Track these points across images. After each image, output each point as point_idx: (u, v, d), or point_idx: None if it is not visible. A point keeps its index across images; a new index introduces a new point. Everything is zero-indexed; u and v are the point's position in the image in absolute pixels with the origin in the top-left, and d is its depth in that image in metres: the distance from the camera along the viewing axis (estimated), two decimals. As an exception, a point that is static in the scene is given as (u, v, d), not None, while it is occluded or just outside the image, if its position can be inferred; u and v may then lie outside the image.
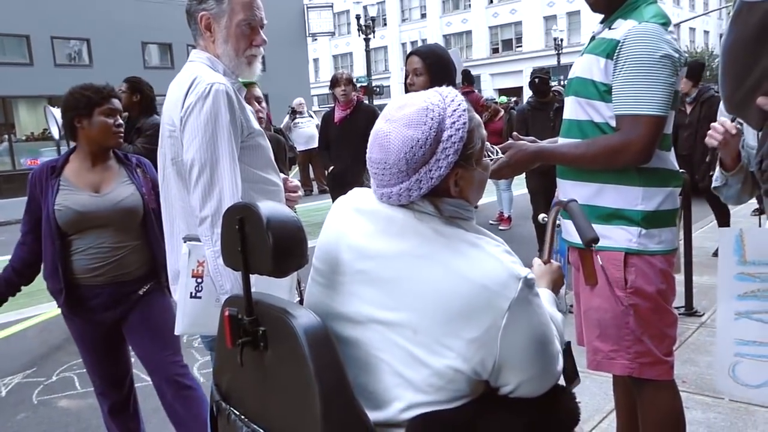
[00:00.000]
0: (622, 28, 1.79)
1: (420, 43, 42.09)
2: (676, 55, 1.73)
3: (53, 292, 2.40)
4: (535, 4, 37.47)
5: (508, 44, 39.30)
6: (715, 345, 1.76)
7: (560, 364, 1.27)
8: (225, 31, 1.80)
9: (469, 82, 7.95)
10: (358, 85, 8.75)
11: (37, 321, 5.19)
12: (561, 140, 1.97)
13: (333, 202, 5.24)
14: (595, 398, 2.94)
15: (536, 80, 5.44)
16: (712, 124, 1.85)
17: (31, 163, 17.63)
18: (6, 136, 18.50)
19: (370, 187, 1.28)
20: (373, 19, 23.08)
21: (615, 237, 1.85)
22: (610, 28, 1.84)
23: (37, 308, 5.55)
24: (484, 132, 1.25)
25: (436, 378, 1.14)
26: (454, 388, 1.15)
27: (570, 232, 1.95)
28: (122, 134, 2.43)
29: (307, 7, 26.34)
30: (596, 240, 1.53)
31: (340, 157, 5.17)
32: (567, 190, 1.95)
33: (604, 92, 1.81)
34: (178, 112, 1.71)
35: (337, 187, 5.17)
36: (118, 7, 19.80)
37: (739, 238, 1.62)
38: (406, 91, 3.13)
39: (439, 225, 1.19)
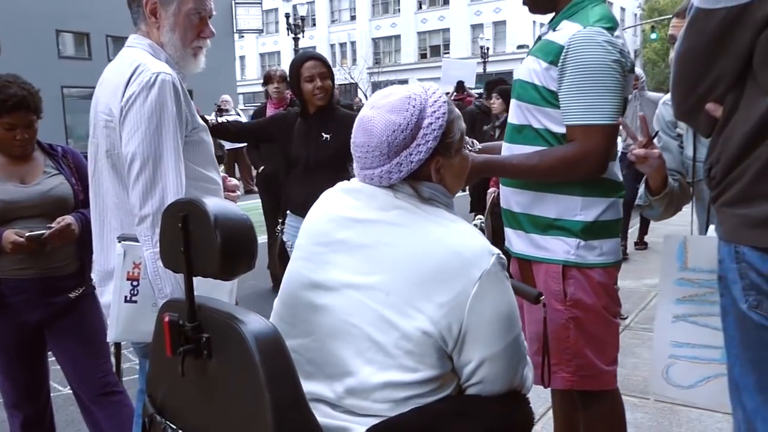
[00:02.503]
0: (565, 31, 1.73)
1: (349, 45, 42.18)
2: (624, 60, 1.70)
3: None
4: (463, 12, 38.28)
5: (436, 50, 39.89)
6: (652, 347, 1.79)
7: (526, 359, 1.28)
8: (173, 18, 1.70)
9: (462, 90, 9.77)
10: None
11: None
12: (506, 146, 1.92)
13: (262, 204, 5.09)
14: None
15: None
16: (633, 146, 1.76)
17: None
18: None
19: (353, 175, 1.33)
20: (302, 19, 22.91)
21: (553, 249, 1.81)
22: (554, 30, 1.79)
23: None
24: (464, 125, 1.31)
25: (405, 341, 1.15)
26: (423, 354, 1.15)
27: (511, 241, 1.93)
28: (27, 145, 2.24)
29: (236, 3, 25.75)
30: (540, 294, 1.51)
31: (271, 157, 5.04)
32: (507, 197, 1.92)
33: (545, 97, 1.76)
34: (117, 101, 1.59)
35: (267, 188, 5.03)
36: (30, -8, 18.66)
37: (682, 245, 1.65)
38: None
39: (418, 203, 1.25)
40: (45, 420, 2.42)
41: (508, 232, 1.94)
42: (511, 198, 1.90)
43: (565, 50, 1.70)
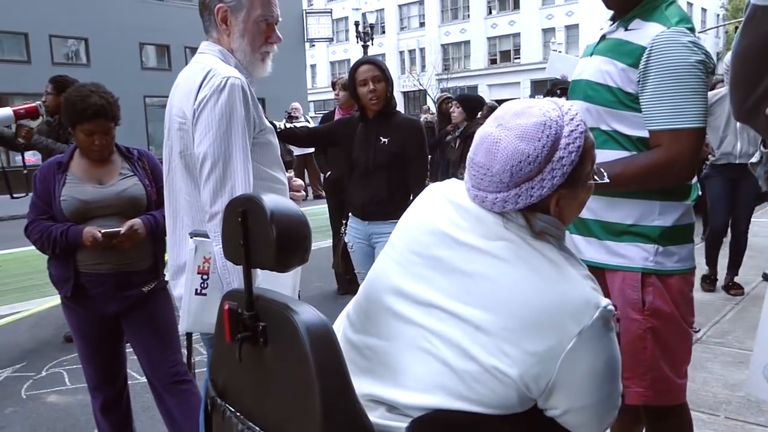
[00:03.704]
0: (645, 32, 1.66)
1: (418, 52, 42.27)
2: (707, 61, 1.63)
3: (58, 281, 2.43)
4: (534, 17, 37.66)
5: (506, 55, 39.43)
6: (756, 343, 1.63)
7: (616, 408, 1.20)
8: (242, 25, 1.78)
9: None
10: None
11: (27, 315, 5.15)
12: None
13: (328, 207, 5.21)
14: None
15: (558, 92, 5.49)
16: None
17: (29, 160, 17.48)
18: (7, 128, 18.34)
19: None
20: (371, 26, 23.16)
21: (630, 255, 1.74)
22: (626, 29, 1.72)
23: (28, 303, 5.53)
24: (596, 154, 1.21)
25: (486, 376, 1.09)
26: (502, 395, 1.10)
27: (580, 248, 1.84)
28: (104, 150, 2.43)
29: (306, 13, 26.40)
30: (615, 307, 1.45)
31: (337, 162, 5.15)
32: None
33: (621, 99, 1.70)
34: (190, 105, 1.67)
35: (332, 192, 5.13)
36: (117, 8, 19.77)
37: None
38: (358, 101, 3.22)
39: (527, 236, 1.15)
40: (122, 403, 2.59)
41: (576, 239, 1.87)
42: None
43: (648, 51, 1.63)
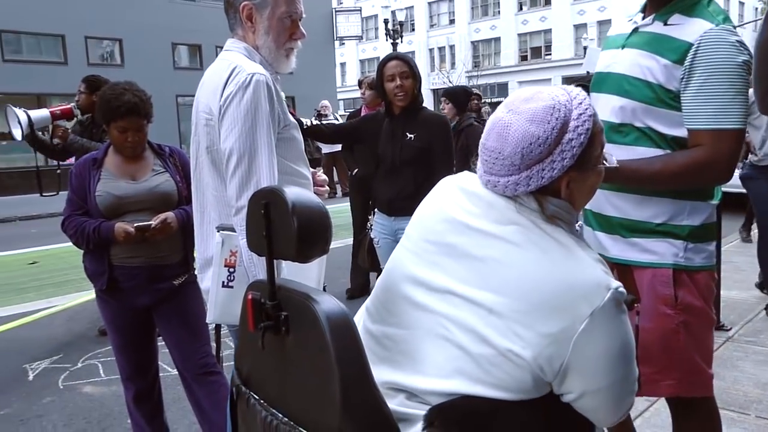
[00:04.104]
0: (690, 27, 1.63)
1: (448, 49, 42.08)
2: (750, 60, 1.61)
3: (93, 275, 2.51)
4: (566, 12, 37.17)
5: (537, 52, 39.00)
6: None
7: (633, 393, 1.20)
8: (267, 22, 1.81)
9: None
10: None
11: (63, 309, 5.30)
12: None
13: (351, 205, 5.26)
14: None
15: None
16: None
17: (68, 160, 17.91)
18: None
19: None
20: (401, 24, 23.10)
21: (661, 251, 1.73)
22: (665, 23, 1.68)
23: (64, 298, 5.70)
24: (605, 138, 1.23)
25: (501, 359, 1.11)
26: (517, 378, 1.11)
27: (605, 245, 1.83)
28: (136, 146, 2.50)
29: (336, 11, 26.48)
30: (635, 300, 1.45)
31: (364, 160, 5.18)
32: (600, 200, 1.79)
33: (660, 96, 1.66)
34: (216, 101, 1.71)
35: (358, 190, 5.15)
36: (150, 9, 20.11)
37: None
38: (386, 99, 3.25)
39: (538, 220, 1.17)
40: (153, 394, 2.66)
41: (601, 236, 1.85)
42: (606, 201, 1.79)
43: (694, 49, 1.60)
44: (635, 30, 1.78)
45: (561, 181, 1.17)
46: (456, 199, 1.27)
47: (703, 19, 1.63)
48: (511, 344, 1.10)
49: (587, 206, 1.84)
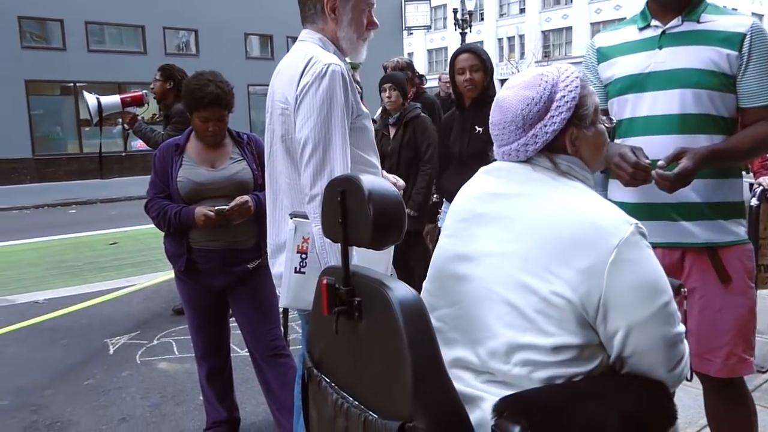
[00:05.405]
0: (730, 20, 1.82)
1: (517, 39, 41.27)
2: None
3: (173, 256, 2.62)
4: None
5: (610, 41, 37.72)
6: None
7: (683, 341, 1.24)
8: (351, 14, 1.84)
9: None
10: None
11: (140, 288, 5.56)
12: (669, 138, 1.84)
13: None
14: (689, 411, 2.79)
15: None
16: None
17: (140, 145, 18.73)
18: (119, 120, 19.76)
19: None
20: (470, 14, 22.80)
21: (737, 230, 1.87)
22: (698, 22, 1.85)
23: (142, 277, 6.00)
24: (597, 99, 1.36)
25: (543, 305, 1.18)
26: (562, 319, 1.17)
27: (694, 233, 1.86)
28: (217, 135, 2.58)
29: (404, 1, 26.39)
30: (682, 285, 1.52)
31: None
32: (682, 190, 1.81)
33: (727, 84, 1.83)
34: (293, 91, 1.74)
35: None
36: (224, 1, 20.69)
37: None
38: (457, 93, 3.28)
39: (555, 175, 1.30)
40: (225, 373, 2.77)
41: (686, 225, 1.87)
42: (690, 188, 1.81)
43: (749, 37, 1.80)
44: (663, 33, 1.89)
45: (564, 138, 1.30)
46: (481, 180, 1.41)
47: (732, 15, 1.85)
48: (549, 285, 1.18)
49: (668, 199, 1.86)
